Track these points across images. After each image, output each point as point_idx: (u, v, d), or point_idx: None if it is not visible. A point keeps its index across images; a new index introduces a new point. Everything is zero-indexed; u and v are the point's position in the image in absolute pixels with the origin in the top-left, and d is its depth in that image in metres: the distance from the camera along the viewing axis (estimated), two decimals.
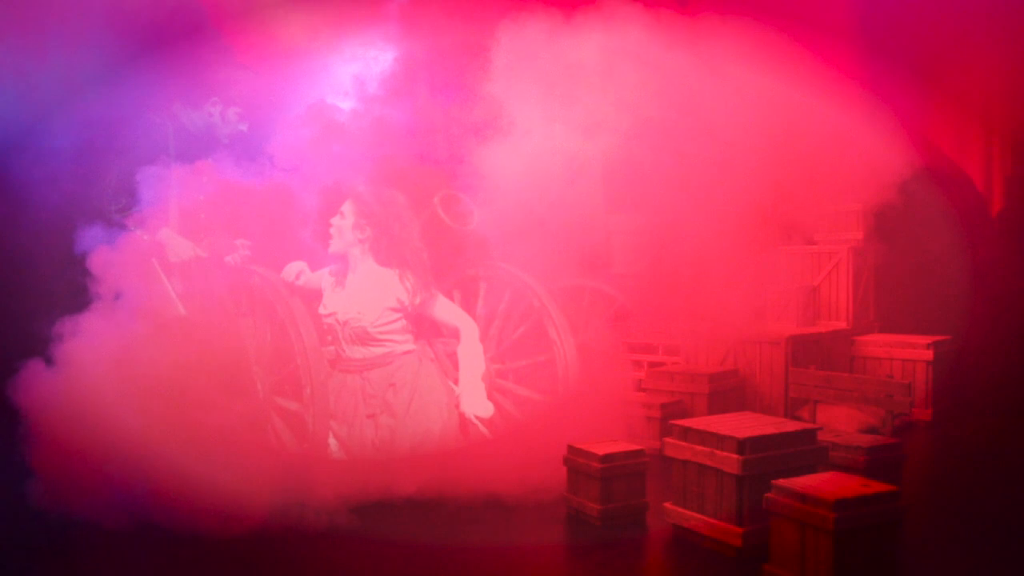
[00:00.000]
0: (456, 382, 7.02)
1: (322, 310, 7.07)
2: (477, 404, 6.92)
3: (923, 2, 8.61)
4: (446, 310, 7.24)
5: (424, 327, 7.55)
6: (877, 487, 4.63)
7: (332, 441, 6.73)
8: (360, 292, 7.03)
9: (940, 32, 8.57)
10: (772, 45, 8.03)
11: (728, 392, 8.16)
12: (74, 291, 6.77)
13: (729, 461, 5.12)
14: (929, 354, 8.55)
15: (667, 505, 5.57)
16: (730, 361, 8.52)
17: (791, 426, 5.53)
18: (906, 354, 8.65)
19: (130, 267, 6.88)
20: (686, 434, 5.48)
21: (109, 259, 6.78)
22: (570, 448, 6.00)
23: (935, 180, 9.20)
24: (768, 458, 5.14)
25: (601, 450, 5.81)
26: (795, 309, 9.01)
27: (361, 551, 5.41)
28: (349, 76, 8.37)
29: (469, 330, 7.15)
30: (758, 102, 8.23)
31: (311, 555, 5.36)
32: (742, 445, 5.09)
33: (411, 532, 5.68)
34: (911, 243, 9.48)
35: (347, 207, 7.09)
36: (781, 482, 4.72)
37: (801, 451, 5.32)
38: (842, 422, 7.68)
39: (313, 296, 7.13)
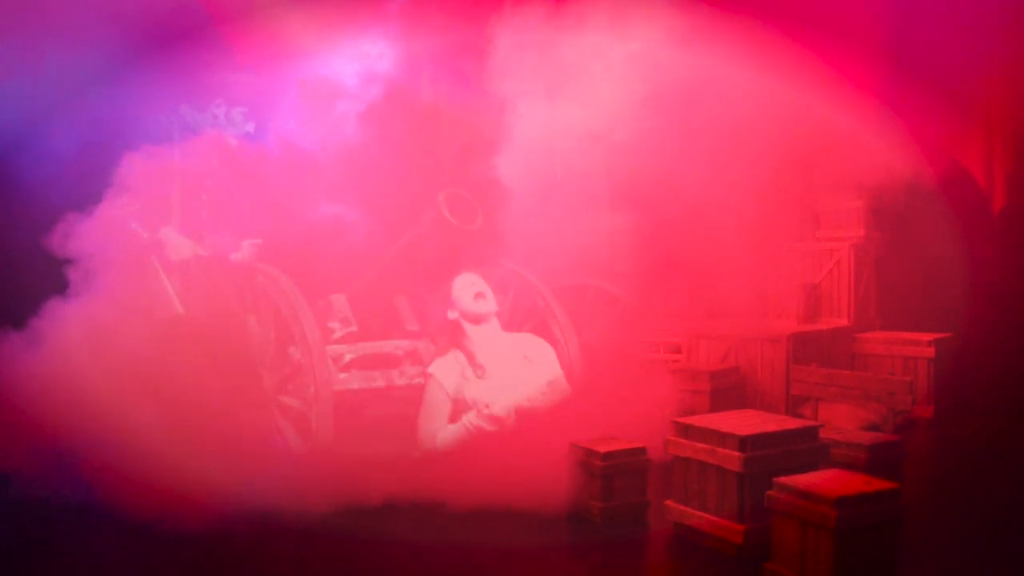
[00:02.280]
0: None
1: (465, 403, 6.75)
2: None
3: (924, 2, 8.60)
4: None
5: (432, 323, 7.55)
6: (878, 485, 4.63)
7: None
8: (511, 368, 6.87)
9: (941, 30, 8.55)
10: (775, 43, 8.03)
11: (729, 390, 8.15)
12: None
13: (730, 459, 5.11)
14: (930, 351, 8.53)
15: (668, 503, 5.57)
16: (731, 359, 8.51)
17: (792, 423, 5.53)
18: (907, 351, 8.64)
19: (104, 242, 6.88)
20: (687, 431, 5.48)
21: (79, 232, 6.80)
22: (572, 446, 6.00)
23: (937, 177, 9.18)
24: (769, 456, 5.13)
25: (603, 448, 5.81)
26: (796, 306, 9.00)
27: (362, 551, 5.41)
28: (351, 70, 8.36)
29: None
30: (762, 97, 8.24)
31: (310, 554, 5.36)
32: (743, 443, 5.09)
33: (413, 532, 5.66)
34: (912, 240, 9.47)
35: (474, 282, 7.01)
36: (783, 480, 4.72)
37: (803, 449, 5.31)
38: (844, 419, 7.68)
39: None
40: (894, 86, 8.61)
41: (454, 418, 6.76)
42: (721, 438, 5.22)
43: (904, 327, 9.15)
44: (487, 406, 6.59)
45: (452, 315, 6.98)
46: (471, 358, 6.83)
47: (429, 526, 5.77)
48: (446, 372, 6.84)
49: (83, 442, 6.05)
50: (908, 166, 8.65)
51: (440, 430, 6.74)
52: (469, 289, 6.97)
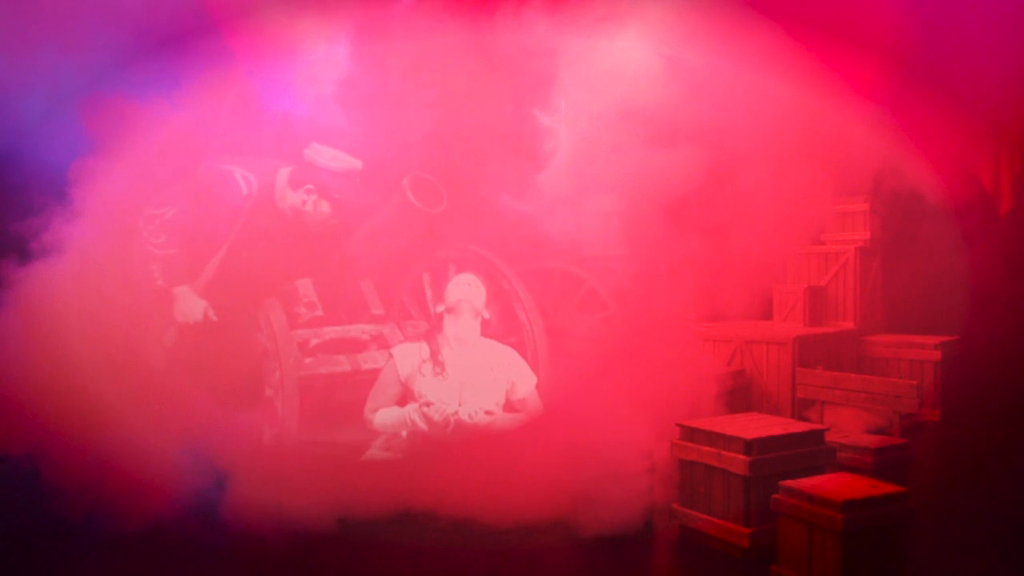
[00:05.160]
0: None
1: (420, 401, 6.63)
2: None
3: (933, 7, 8.59)
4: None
5: (396, 309, 7.53)
6: (885, 488, 4.62)
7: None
8: (471, 377, 6.74)
9: (949, 34, 8.54)
10: (781, 46, 8.02)
11: (735, 392, 8.13)
12: None
13: (736, 462, 5.11)
14: (937, 354, 8.52)
15: (674, 506, 5.56)
16: (737, 361, 8.51)
17: (798, 427, 5.52)
18: (914, 354, 8.63)
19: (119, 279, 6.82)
20: (693, 435, 5.47)
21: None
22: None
23: (943, 178, 9.17)
24: (775, 459, 5.13)
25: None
26: (802, 309, 8.99)
27: (361, 554, 5.41)
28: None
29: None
30: (768, 100, 8.23)
31: (304, 559, 5.35)
32: (749, 446, 5.09)
33: (414, 536, 5.65)
34: (919, 242, 9.46)
35: (469, 281, 6.90)
36: (788, 483, 4.72)
37: (809, 452, 5.31)
38: (850, 423, 7.66)
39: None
40: (901, 89, 8.59)
41: (403, 403, 6.73)
42: (727, 441, 5.22)
43: (910, 330, 9.14)
44: (428, 404, 6.56)
45: (439, 308, 6.97)
46: (435, 354, 6.78)
47: (430, 529, 5.74)
48: (404, 357, 6.80)
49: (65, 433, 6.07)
50: (914, 168, 8.63)
51: (382, 408, 6.70)
52: (464, 288, 6.91)
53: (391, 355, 6.86)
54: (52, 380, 6.22)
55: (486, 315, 6.95)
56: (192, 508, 5.75)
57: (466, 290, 6.86)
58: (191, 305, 7.09)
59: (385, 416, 6.67)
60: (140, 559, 5.29)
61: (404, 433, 6.61)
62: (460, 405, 6.60)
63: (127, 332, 6.70)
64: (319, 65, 8.27)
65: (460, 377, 6.72)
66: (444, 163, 7.54)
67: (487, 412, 6.61)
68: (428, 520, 5.83)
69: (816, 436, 5.42)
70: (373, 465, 6.52)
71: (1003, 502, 6.15)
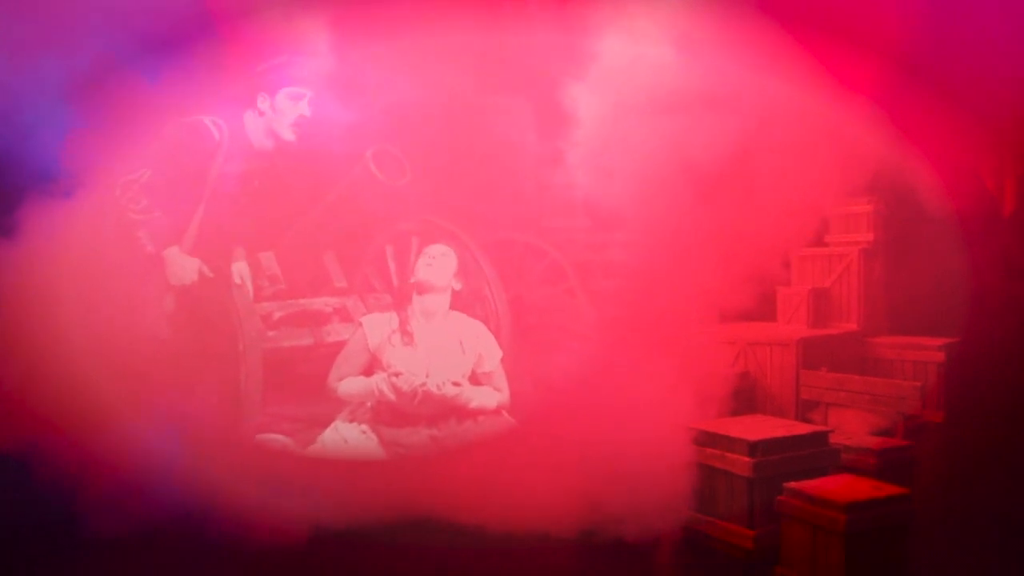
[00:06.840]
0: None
1: (388, 371, 6.56)
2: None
3: (929, 4, 8.58)
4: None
5: (359, 281, 7.56)
6: (888, 490, 4.63)
7: (365, 432, 6.62)
8: (439, 348, 6.73)
9: (952, 35, 8.54)
10: (783, 46, 8.02)
11: (739, 394, 8.13)
12: None
13: (740, 463, 5.12)
14: (940, 356, 8.50)
15: (677, 507, 5.56)
16: (740, 363, 8.51)
17: (802, 428, 5.53)
18: (917, 356, 8.61)
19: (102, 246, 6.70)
20: (696, 436, 5.48)
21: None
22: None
23: (946, 180, 9.16)
24: (779, 460, 5.14)
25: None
26: (805, 311, 8.99)
27: (359, 556, 5.43)
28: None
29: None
30: (771, 101, 8.23)
31: (312, 561, 5.37)
32: (753, 447, 5.10)
33: (414, 536, 5.66)
34: (922, 244, 9.44)
35: (444, 252, 6.91)
36: (792, 485, 4.73)
37: (812, 453, 5.32)
38: (853, 424, 7.66)
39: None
40: (903, 90, 8.59)
41: (368, 373, 6.70)
42: (730, 443, 5.23)
43: (914, 331, 9.13)
44: (397, 374, 6.51)
45: (413, 279, 6.95)
46: (403, 324, 6.75)
47: (431, 529, 5.75)
48: (373, 327, 6.77)
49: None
50: (916, 169, 8.62)
51: (348, 376, 6.67)
52: (434, 259, 6.88)
53: (360, 324, 6.84)
54: (46, 368, 6.21)
55: (456, 286, 6.94)
56: (197, 507, 5.75)
57: (438, 269, 6.85)
58: (183, 266, 6.88)
59: (350, 386, 6.63)
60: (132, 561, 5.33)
61: (369, 404, 6.60)
62: (428, 376, 6.57)
63: (127, 310, 6.66)
64: (319, 59, 8.26)
65: (428, 349, 6.72)
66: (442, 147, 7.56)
67: (454, 384, 6.59)
68: (429, 523, 5.83)
69: (820, 438, 5.43)
70: (375, 467, 6.52)
71: (1006, 503, 6.15)
